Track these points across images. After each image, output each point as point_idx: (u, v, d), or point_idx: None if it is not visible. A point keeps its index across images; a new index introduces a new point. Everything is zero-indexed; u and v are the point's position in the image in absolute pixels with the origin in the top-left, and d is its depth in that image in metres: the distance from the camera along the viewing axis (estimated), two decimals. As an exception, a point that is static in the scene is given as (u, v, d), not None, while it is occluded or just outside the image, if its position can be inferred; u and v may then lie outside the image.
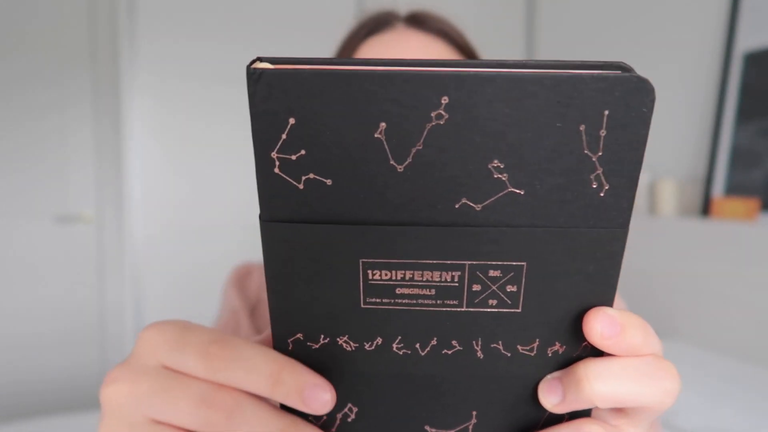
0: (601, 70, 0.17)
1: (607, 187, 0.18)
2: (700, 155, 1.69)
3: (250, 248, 2.04)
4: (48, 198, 2.20)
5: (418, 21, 0.53)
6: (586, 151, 0.17)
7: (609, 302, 0.20)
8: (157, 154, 1.96)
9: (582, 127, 0.17)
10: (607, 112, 0.17)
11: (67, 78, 2.21)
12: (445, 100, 0.17)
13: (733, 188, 1.52)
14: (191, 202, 1.99)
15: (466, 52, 0.55)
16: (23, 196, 2.17)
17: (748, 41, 1.53)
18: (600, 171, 0.18)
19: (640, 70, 1.89)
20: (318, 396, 0.21)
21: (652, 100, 0.17)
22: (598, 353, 0.21)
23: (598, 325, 0.19)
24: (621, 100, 0.17)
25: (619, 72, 0.17)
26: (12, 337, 2.17)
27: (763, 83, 1.48)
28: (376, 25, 0.54)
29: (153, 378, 0.21)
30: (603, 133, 0.17)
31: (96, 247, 2.27)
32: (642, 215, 1.78)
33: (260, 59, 0.18)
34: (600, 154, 0.17)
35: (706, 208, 1.57)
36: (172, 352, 0.21)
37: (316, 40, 2.10)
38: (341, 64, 0.17)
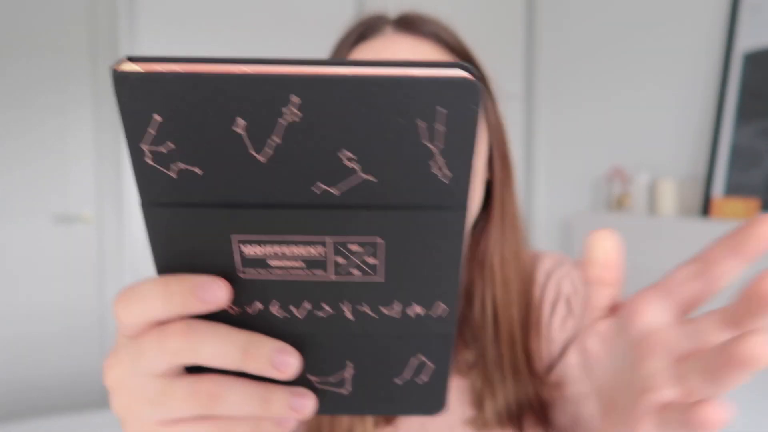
0: (442, 69, 0.19)
1: (450, 175, 0.21)
2: (700, 155, 1.69)
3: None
4: (48, 198, 2.20)
5: (408, 24, 0.52)
6: (426, 143, 0.20)
7: (456, 273, 0.24)
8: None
9: (420, 122, 0.20)
10: (441, 109, 0.19)
11: (68, 79, 2.21)
12: (295, 99, 0.19)
13: (733, 188, 1.52)
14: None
15: (459, 52, 0.53)
16: (24, 197, 2.17)
17: (748, 41, 1.53)
18: (442, 161, 0.20)
19: (641, 70, 1.90)
20: (286, 360, 0.24)
21: (478, 100, 0.19)
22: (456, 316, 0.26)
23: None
24: (452, 99, 0.19)
25: (457, 71, 0.19)
26: (12, 337, 2.17)
27: (763, 83, 1.48)
28: (365, 29, 0.53)
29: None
30: (440, 127, 0.20)
31: (96, 247, 2.27)
32: (642, 215, 1.78)
33: (130, 59, 0.19)
34: (440, 146, 0.20)
35: (706, 208, 1.58)
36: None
37: (315, 40, 2.10)
38: (208, 63, 0.19)
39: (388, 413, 0.29)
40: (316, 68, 0.19)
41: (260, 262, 0.23)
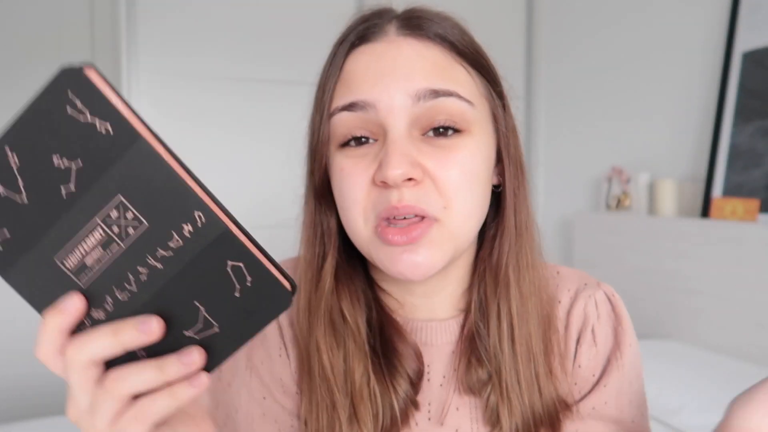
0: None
1: (110, 126, 0.29)
2: (699, 155, 1.69)
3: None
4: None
5: (413, 25, 0.49)
6: (81, 118, 0.29)
7: (184, 184, 0.31)
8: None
9: (68, 107, 0.29)
10: (73, 92, 0.28)
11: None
12: (8, 150, 0.28)
13: (733, 188, 1.52)
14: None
15: (468, 53, 0.50)
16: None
17: (747, 41, 1.53)
18: (98, 121, 0.29)
19: (640, 70, 1.90)
20: (148, 324, 0.31)
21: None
22: None
23: None
24: (75, 83, 0.28)
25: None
26: (12, 338, 2.17)
27: (762, 83, 1.48)
28: (366, 29, 0.50)
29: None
30: (78, 101, 0.28)
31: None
32: (642, 215, 1.78)
33: None
34: (88, 110, 0.28)
35: (705, 209, 1.58)
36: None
37: (316, 40, 2.10)
38: None
39: (259, 327, 0.33)
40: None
41: (82, 267, 0.31)
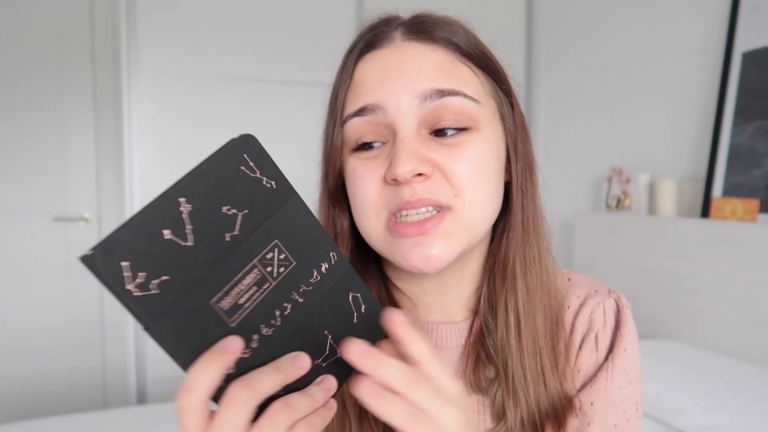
0: None
1: (273, 182, 0.36)
2: (700, 155, 1.69)
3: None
4: (50, 201, 2.20)
5: (418, 30, 0.50)
6: (252, 174, 0.35)
7: (322, 231, 0.38)
8: (156, 157, 1.96)
9: (242, 167, 0.34)
10: (245, 154, 0.35)
11: (70, 86, 2.21)
12: (183, 202, 0.31)
13: (733, 188, 1.52)
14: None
15: (474, 55, 0.51)
16: (26, 199, 2.18)
17: (747, 41, 1.53)
18: (266, 177, 0.35)
19: (640, 70, 1.90)
20: (300, 359, 0.35)
21: (256, 141, 0.35)
22: None
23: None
24: (247, 146, 0.35)
25: None
26: (13, 337, 2.17)
27: (762, 83, 1.48)
28: (373, 36, 0.51)
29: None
30: (251, 161, 0.35)
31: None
32: (642, 215, 1.78)
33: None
34: (259, 170, 0.35)
35: (705, 209, 1.58)
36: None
37: (316, 41, 2.10)
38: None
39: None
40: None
41: (236, 306, 0.33)
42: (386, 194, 0.48)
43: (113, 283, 0.28)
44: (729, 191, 1.52)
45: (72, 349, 2.25)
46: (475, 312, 0.57)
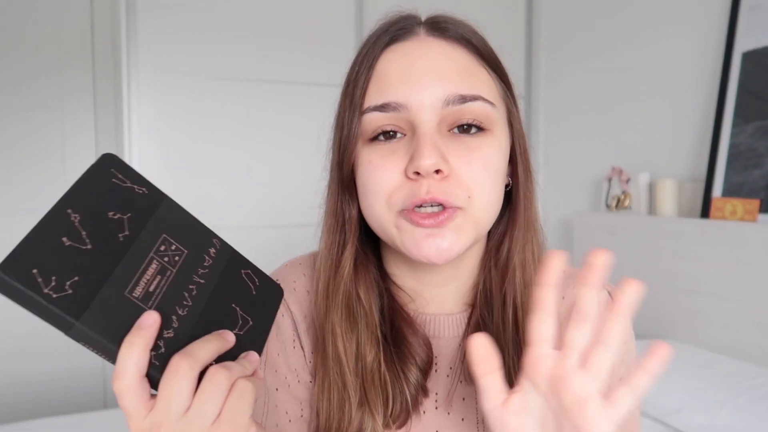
0: None
1: (144, 188, 0.43)
2: (700, 155, 1.69)
3: (247, 249, 2.04)
4: (50, 201, 2.20)
5: (440, 28, 0.52)
6: (122, 183, 0.43)
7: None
8: (156, 158, 1.96)
9: (118, 176, 0.42)
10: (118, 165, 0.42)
11: (70, 90, 2.21)
12: (71, 212, 0.37)
13: (733, 188, 1.52)
14: (189, 203, 1.99)
15: (488, 57, 0.53)
16: (26, 199, 2.18)
17: (747, 41, 1.53)
18: (130, 183, 0.42)
19: (640, 70, 1.90)
20: (228, 334, 0.40)
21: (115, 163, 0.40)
22: None
23: None
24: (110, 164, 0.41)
25: None
26: (13, 337, 2.17)
27: (762, 83, 1.48)
28: (398, 31, 0.53)
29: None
30: (120, 173, 0.43)
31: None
32: (642, 215, 1.78)
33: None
34: (127, 179, 0.42)
35: (705, 209, 1.58)
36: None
37: (316, 41, 2.10)
38: None
39: (274, 313, 0.47)
40: None
41: (148, 294, 0.37)
42: (404, 190, 0.49)
43: (30, 289, 0.31)
44: (729, 191, 1.52)
45: (72, 349, 2.25)
46: (473, 305, 0.58)
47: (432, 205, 0.49)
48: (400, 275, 0.59)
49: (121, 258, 0.36)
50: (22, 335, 2.18)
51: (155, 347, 0.36)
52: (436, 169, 0.47)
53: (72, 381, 2.25)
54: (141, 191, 0.40)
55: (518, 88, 0.58)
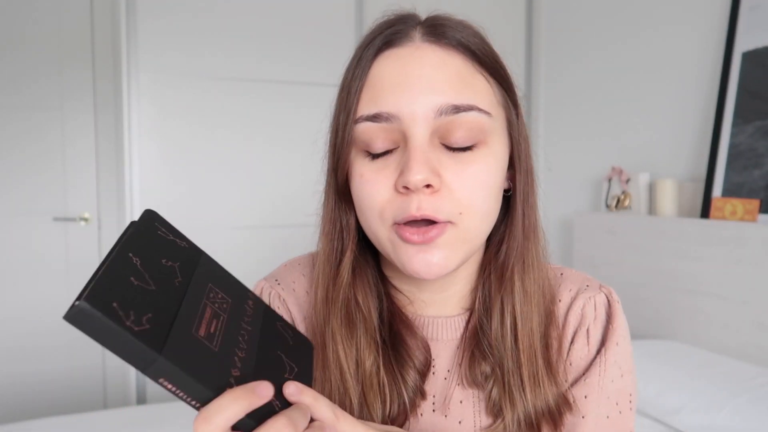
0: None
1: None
2: (700, 155, 1.69)
3: (247, 249, 2.04)
4: (50, 200, 2.20)
5: (437, 33, 0.50)
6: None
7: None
8: (156, 158, 1.96)
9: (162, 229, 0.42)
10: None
11: (71, 90, 2.21)
12: (132, 256, 0.37)
13: (733, 188, 1.52)
14: (189, 203, 1.99)
15: (487, 61, 0.51)
16: (26, 199, 2.18)
17: (747, 41, 1.53)
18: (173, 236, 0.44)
19: (640, 70, 1.90)
20: (263, 387, 0.37)
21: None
22: None
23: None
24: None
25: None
26: (13, 337, 2.17)
27: (762, 83, 1.48)
28: (393, 34, 0.51)
29: None
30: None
31: (97, 247, 2.28)
32: (642, 215, 1.78)
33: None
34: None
35: (705, 209, 1.57)
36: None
37: (316, 41, 2.10)
38: None
39: (311, 362, 0.48)
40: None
41: (210, 335, 0.38)
42: (395, 204, 0.49)
43: (115, 321, 0.31)
44: (729, 191, 1.52)
45: (72, 349, 2.25)
46: (471, 310, 0.58)
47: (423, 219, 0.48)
48: (399, 278, 0.59)
49: (181, 300, 0.37)
50: (22, 335, 2.18)
51: (228, 384, 0.37)
52: (426, 183, 0.47)
53: (72, 381, 2.25)
54: (183, 245, 0.43)
55: (519, 89, 0.56)
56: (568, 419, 0.55)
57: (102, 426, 1.38)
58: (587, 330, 0.57)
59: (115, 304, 0.31)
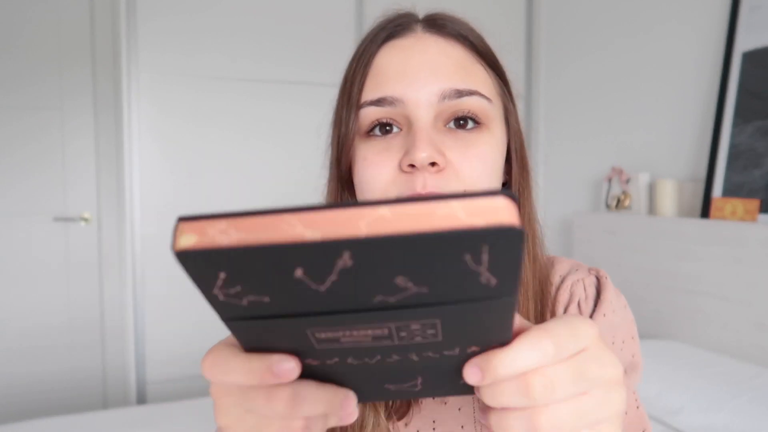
0: (485, 202, 0.21)
1: (497, 281, 0.23)
2: (700, 155, 1.69)
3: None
4: (49, 200, 2.20)
5: (438, 25, 0.53)
6: (473, 269, 0.22)
7: (505, 333, 0.28)
8: (155, 158, 1.96)
9: (468, 256, 0.22)
10: (486, 247, 0.21)
11: (71, 90, 2.21)
12: (347, 254, 0.22)
13: (733, 188, 1.52)
14: (189, 203, 1.99)
15: (485, 55, 0.54)
16: (26, 199, 2.18)
17: (747, 41, 1.53)
18: (489, 275, 0.23)
19: (640, 70, 1.90)
20: (283, 365, 0.28)
21: (520, 242, 0.21)
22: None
23: (469, 378, 0.29)
24: (497, 240, 0.21)
25: (500, 205, 0.21)
26: (13, 337, 2.17)
27: (762, 83, 1.48)
28: (395, 28, 0.53)
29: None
30: (486, 257, 0.22)
31: (96, 247, 2.28)
32: (642, 215, 1.78)
33: (181, 218, 0.22)
34: (486, 267, 0.22)
35: (705, 209, 1.57)
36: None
37: (317, 40, 2.10)
38: (256, 216, 0.22)
39: (451, 395, 0.38)
40: (365, 227, 0.21)
41: (333, 341, 0.28)
42: (399, 182, 0.49)
43: (200, 279, 0.24)
44: (729, 191, 1.52)
45: (72, 349, 2.25)
46: None
47: None
48: None
49: (346, 312, 0.26)
50: (22, 335, 2.18)
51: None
52: (432, 161, 0.47)
53: (72, 381, 2.25)
54: (486, 282, 0.26)
55: (518, 88, 0.58)
56: None
57: (102, 426, 1.38)
58: (578, 305, 0.58)
59: (221, 274, 0.24)
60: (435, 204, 0.21)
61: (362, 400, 0.35)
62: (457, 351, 0.29)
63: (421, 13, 0.56)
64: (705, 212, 1.57)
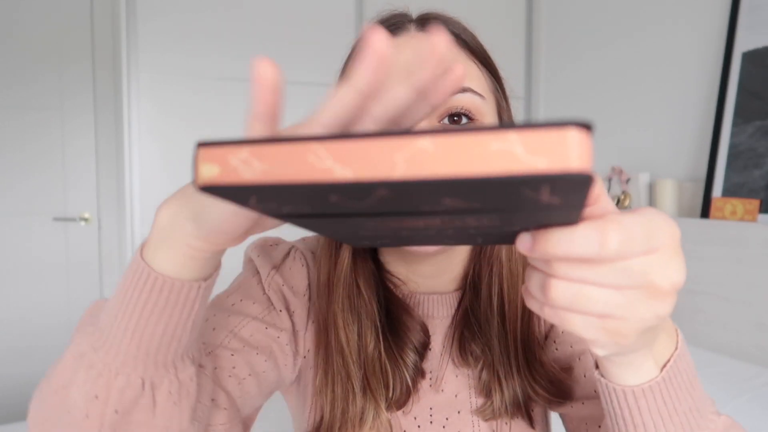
0: (553, 127, 0.17)
1: (558, 201, 0.21)
2: (700, 155, 1.69)
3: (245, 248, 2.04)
4: (49, 200, 2.20)
5: (430, 24, 0.54)
6: (531, 196, 0.20)
7: (571, 221, 0.26)
8: (155, 158, 1.96)
9: (526, 190, 0.19)
10: (547, 186, 0.18)
11: (71, 89, 2.21)
12: (384, 190, 0.20)
13: (733, 188, 1.52)
14: (191, 202, 1.99)
15: (478, 54, 0.55)
16: (26, 199, 2.18)
17: (747, 41, 1.53)
18: (550, 198, 0.20)
19: (640, 70, 1.90)
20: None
21: (588, 187, 0.19)
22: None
23: (520, 246, 0.28)
24: (560, 185, 0.18)
25: (571, 129, 0.18)
26: (13, 337, 2.17)
27: (762, 83, 1.48)
28: (389, 28, 0.54)
29: None
30: (546, 191, 0.19)
31: (96, 247, 2.28)
32: (642, 215, 1.78)
33: (201, 144, 0.21)
34: (548, 194, 0.19)
35: (705, 209, 1.57)
36: None
37: (317, 41, 2.10)
38: (280, 143, 0.20)
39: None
40: (402, 163, 0.19)
41: (381, 228, 0.28)
42: None
43: (232, 202, 0.23)
44: (729, 191, 1.52)
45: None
46: (463, 289, 0.61)
47: None
48: (395, 262, 0.61)
49: (385, 215, 0.24)
50: (22, 335, 2.18)
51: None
52: None
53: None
54: (551, 204, 0.23)
55: (518, 88, 0.58)
56: (570, 386, 0.56)
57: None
58: None
59: (252, 198, 0.23)
60: (487, 135, 0.18)
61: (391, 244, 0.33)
62: (516, 228, 0.27)
63: (414, 14, 0.57)
64: (705, 212, 1.57)
